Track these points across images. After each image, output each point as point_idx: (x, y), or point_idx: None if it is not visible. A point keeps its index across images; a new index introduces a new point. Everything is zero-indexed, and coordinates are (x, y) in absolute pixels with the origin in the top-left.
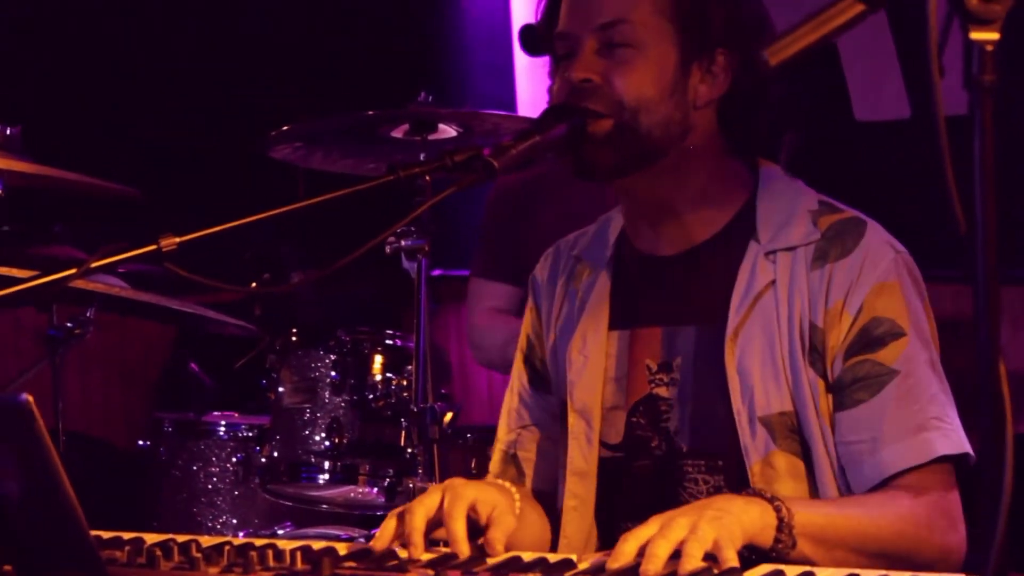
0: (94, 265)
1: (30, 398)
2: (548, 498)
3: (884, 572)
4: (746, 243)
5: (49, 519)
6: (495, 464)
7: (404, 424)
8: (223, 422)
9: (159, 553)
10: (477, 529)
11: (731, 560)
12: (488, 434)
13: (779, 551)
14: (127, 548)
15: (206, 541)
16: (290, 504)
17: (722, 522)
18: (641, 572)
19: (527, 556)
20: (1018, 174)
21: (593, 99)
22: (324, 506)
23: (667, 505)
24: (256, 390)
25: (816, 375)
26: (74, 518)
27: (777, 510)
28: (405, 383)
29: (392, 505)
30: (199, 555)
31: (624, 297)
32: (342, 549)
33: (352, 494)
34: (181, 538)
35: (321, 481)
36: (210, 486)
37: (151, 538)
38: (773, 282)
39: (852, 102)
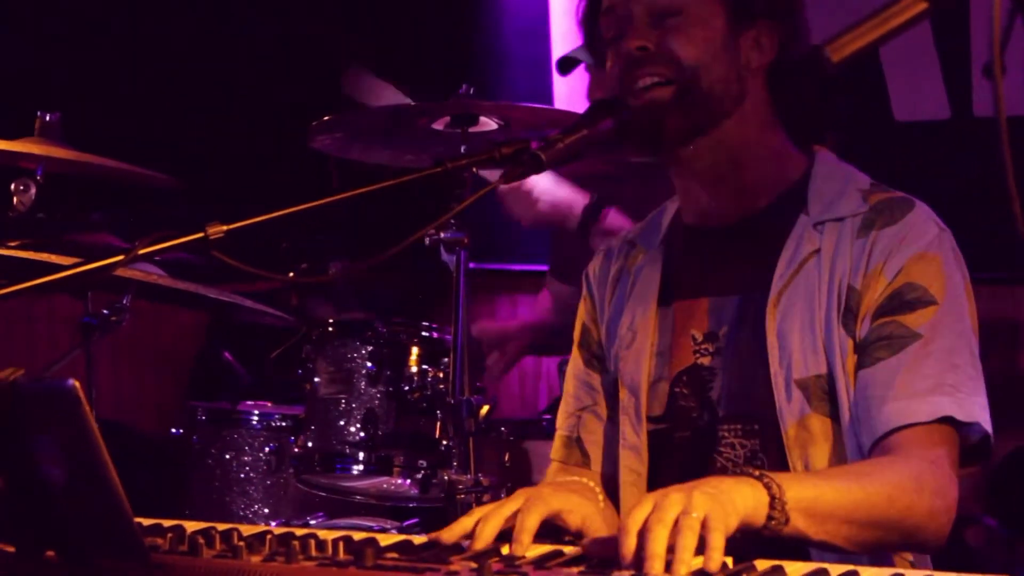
0: (141, 252)
1: (77, 383)
2: (614, 482)
3: (929, 572)
4: (796, 216)
5: (93, 505)
6: (557, 450)
7: (440, 416)
8: (256, 411)
9: (201, 541)
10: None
11: (718, 546)
12: (521, 428)
13: (772, 528)
14: (169, 536)
15: (247, 530)
16: (323, 494)
17: (717, 499)
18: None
19: (568, 550)
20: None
21: (651, 64)
22: (358, 497)
23: (703, 471)
24: (291, 380)
25: (847, 335)
26: (119, 505)
27: (767, 487)
28: (441, 375)
29: (427, 497)
30: (241, 544)
31: (673, 272)
32: (383, 540)
33: (386, 485)
34: (222, 526)
35: (355, 472)
36: (243, 475)
37: (191, 526)
38: (818, 250)
39: (892, 103)
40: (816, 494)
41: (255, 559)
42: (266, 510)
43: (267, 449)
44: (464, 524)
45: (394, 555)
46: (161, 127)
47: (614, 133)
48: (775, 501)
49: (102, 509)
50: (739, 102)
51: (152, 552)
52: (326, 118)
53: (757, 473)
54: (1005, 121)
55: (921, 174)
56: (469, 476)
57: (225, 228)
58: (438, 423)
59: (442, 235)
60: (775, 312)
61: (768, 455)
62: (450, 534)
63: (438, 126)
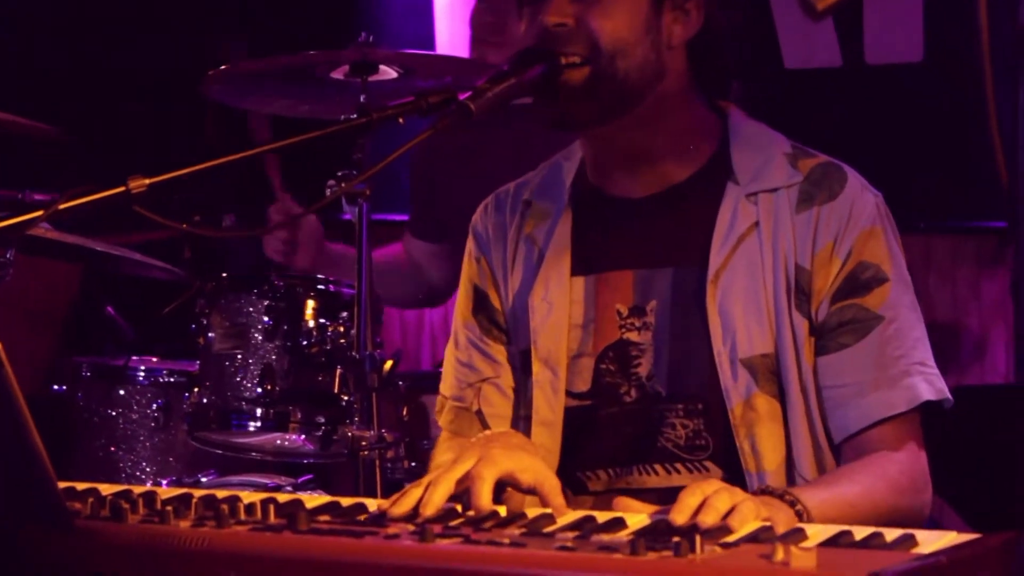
0: (62, 207)
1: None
2: None
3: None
4: (723, 185)
5: (15, 471)
6: (450, 421)
7: (339, 371)
8: (142, 367)
9: (125, 505)
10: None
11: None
12: (418, 382)
13: None
14: (90, 500)
15: (164, 493)
16: (218, 452)
17: (771, 508)
18: (699, 521)
19: (503, 510)
20: (949, 132)
21: (568, 42)
22: (254, 454)
23: (642, 451)
24: (179, 334)
25: (802, 317)
26: (42, 471)
27: (799, 515)
28: (341, 329)
29: (326, 453)
30: (168, 508)
31: (589, 241)
32: (309, 502)
33: (280, 442)
34: (138, 489)
35: (252, 428)
36: (129, 432)
37: (106, 489)
38: (756, 224)
39: (782, 50)
40: (836, 514)
41: (184, 524)
42: (154, 468)
43: (155, 406)
44: (414, 495)
45: (326, 518)
46: (43, 76)
47: (543, 80)
48: (802, 517)
49: (25, 475)
50: (657, 83)
51: (75, 518)
52: (222, 67)
53: (780, 492)
54: (991, 74)
55: (811, 122)
56: (372, 432)
57: (148, 181)
58: (337, 378)
59: (343, 186)
60: (715, 289)
61: (713, 435)
62: (400, 508)
63: (337, 75)
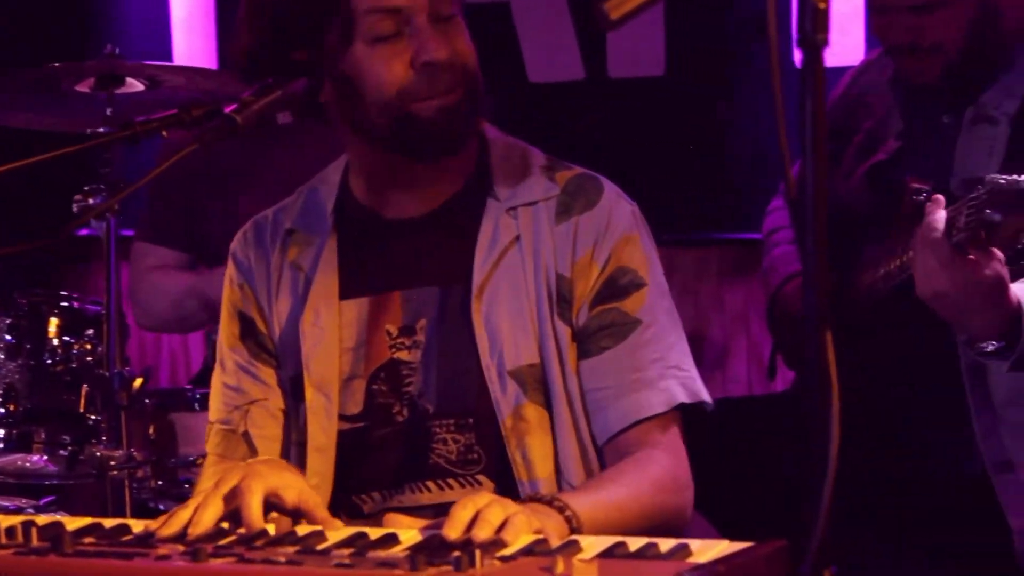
0: None
1: None
2: None
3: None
4: (484, 201)
5: None
6: (215, 444)
7: (86, 390)
8: None
9: None
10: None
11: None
12: (167, 400)
13: None
14: None
15: None
16: None
17: (542, 518)
18: (473, 535)
19: (273, 529)
20: (690, 145)
21: (451, 73)
22: None
23: (414, 469)
24: None
25: (564, 324)
26: None
27: (568, 520)
28: (88, 347)
29: (72, 474)
30: None
31: (355, 264)
32: (68, 524)
33: (20, 463)
34: None
35: None
36: None
37: None
38: (517, 238)
39: (525, 63)
40: (604, 517)
41: None
42: None
43: None
44: (182, 517)
45: (91, 539)
46: None
47: (307, 94)
48: (573, 531)
49: None
50: None
51: None
52: None
53: (549, 499)
54: (780, 83)
55: (557, 136)
56: (121, 452)
57: None
58: (84, 397)
59: (91, 202)
60: (480, 304)
61: (485, 448)
62: (169, 528)
63: (82, 88)
